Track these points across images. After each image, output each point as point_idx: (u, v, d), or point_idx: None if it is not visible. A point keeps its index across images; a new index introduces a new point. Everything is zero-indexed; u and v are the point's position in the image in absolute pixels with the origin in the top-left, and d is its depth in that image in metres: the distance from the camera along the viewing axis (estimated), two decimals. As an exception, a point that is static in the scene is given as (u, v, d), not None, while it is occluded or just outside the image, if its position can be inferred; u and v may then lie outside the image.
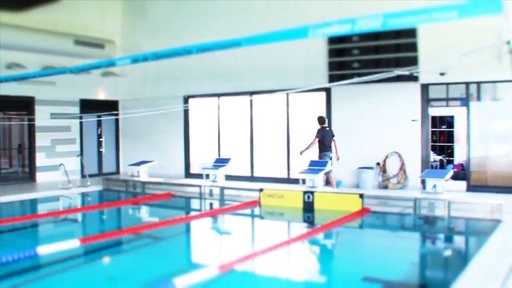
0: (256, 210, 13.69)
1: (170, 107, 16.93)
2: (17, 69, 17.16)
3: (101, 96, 20.65)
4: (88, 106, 19.98)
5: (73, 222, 13.03)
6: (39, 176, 18.63)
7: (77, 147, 19.59)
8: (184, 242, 11.04)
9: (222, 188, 15.27)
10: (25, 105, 18.53)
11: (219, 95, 18.10)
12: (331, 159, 14.98)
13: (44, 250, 8.14)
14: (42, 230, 12.14)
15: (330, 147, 15.03)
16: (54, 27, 17.81)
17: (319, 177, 14.04)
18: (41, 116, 18.53)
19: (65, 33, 18.05)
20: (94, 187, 17.30)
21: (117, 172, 20.96)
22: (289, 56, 15.55)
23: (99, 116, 19.55)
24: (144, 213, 14.43)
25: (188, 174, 18.79)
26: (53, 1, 17.76)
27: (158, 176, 17.50)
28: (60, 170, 16.59)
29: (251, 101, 17.21)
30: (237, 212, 13.45)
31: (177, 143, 19.02)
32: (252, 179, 16.94)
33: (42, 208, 15.35)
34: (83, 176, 17.84)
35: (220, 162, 16.23)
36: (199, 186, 15.66)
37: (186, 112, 18.77)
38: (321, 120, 15.26)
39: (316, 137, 14.99)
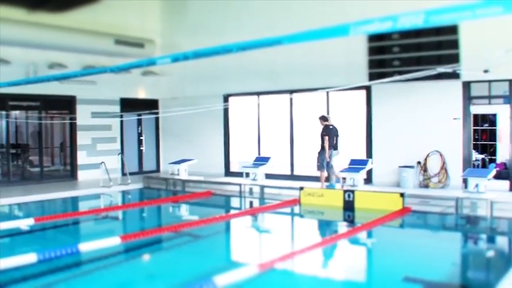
0: (296, 209, 13.59)
1: (210, 106, 16.97)
2: (58, 68, 17.38)
3: (141, 95, 20.78)
4: (128, 105, 20.16)
5: (114, 219, 13.14)
6: (81, 174, 18.86)
7: (117, 146, 19.78)
8: (224, 240, 11.02)
9: (262, 187, 15.25)
10: (67, 105, 18.77)
11: (258, 94, 18.03)
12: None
13: (85, 247, 8.19)
14: (83, 228, 12.24)
15: (333, 144, 14.87)
16: (95, 27, 18.00)
17: (360, 176, 13.93)
18: (82, 114, 18.75)
19: (105, 33, 18.23)
20: (134, 185, 17.46)
21: (157, 170, 21.09)
22: (329, 54, 15.43)
23: (139, 115, 19.70)
24: (184, 212, 14.46)
25: (228, 172, 18.79)
26: (93, 1, 17.94)
27: (198, 175, 17.55)
28: (101, 168, 16.76)
29: (291, 99, 17.13)
30: (277, 211, 13.39)
31: (217, 141, 19.03)
32: (292, 177, 16.86)
33: (83, 206, 15.54)
34: (124, 174, 17.97)
35: (261, 160, 16.21)
36: (239, 184, 15.66)
37: (225, 110, 18.77)
38: (323, 119, 15.12)
39: (325, 135, 14.77)
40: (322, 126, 14.97)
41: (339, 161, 14.94)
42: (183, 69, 18.86)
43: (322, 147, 14.81)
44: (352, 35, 7.55)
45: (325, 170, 14.85)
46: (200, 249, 9.61)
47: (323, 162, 14.77)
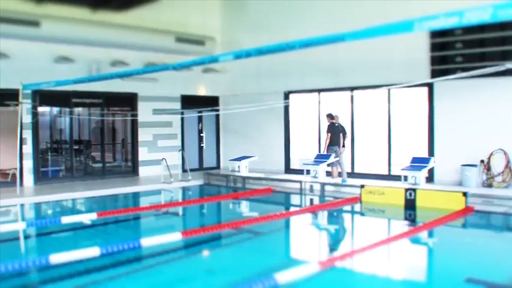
0: (357, 207, 13.42)
1: (270, 103, 16.93)
2: (120, 66, 17.60)
3: (202, 92, 20.87)
4: (189, 102, 20.27)
5: (174, 215, 13.19)
6: (142, 170, 19.08)
7: (178, 142, 19.92)
8: (284, 237, 10.93)
9: (323, 184, 15.11)
10: (129, 101, 19.01)
11: (319, 91, 17.88)
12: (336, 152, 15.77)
13: (147, 242, 8.23)
14: (144, 223, 12.37)
15: (338, 142, 15.82)
16: (156, 25, 18.20)
17: (422, 174, 13.68)
18: (144, 111, 18.96)
19: (167, 31, 18.41)
20: (195, 181, 17.54)
21: (218, 167, 21.15)
22: (390, 50, 15.16)
23: (200, 112, 19.78)
24: (244, 208, 14.42)
25: (288, 169, 18.70)
26: (154, 0, 18.10)
27: (258, 171, 17.55)
28: (162, 164, 16.90)
29: (352, 96, 16.93)
30: (337, 209, 13.26)
31: (277, 138, 18.96)
32: (352, 175, 16.65)
33: (144, 201, 15.72)
34: (184, 171, 18.07)
35: (322, 158, 16.08)
36: (300, 181, 15.56)
37: (286, 107, 18.68)
38: (330, 117, 15.91)
39: (328, 132, 15.78)
40: (328, 123, 15.92)
41: (400, 158, 14.76)
42: (243, 66, 18.85)
43: (329, 144, 15.83)
44: (416, 31, 7.42)
45: (339, 166, 15.82)
46: (260, 246, 9.56)
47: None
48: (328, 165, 15.73)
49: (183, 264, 8.42)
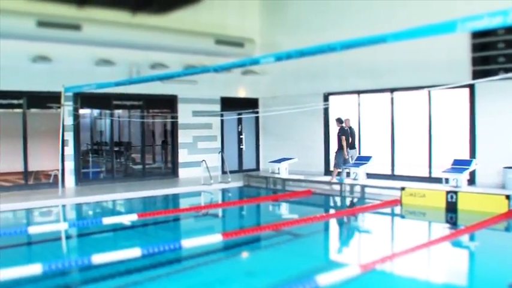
0: (397, 209, 13.24)
1: (310, 105, 16.85)
2: (160, 68, 17.71)
3: (242, 94, 20.89)
4: (229, 104, 20.31)
5: (214, 217, 13.21)
6: (182, 172, 19.16)
7: (218, 144, 19.97)
8: (324, 239, 10.86)
9: (363, 186, 14.98)
10: (169, 104, 19.13)
11: (359, 92, 17.73)
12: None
13: (188, 243, 8.23)
14: (184, 224, 12.40)
15: (350, 144, 16.51)
16: (196, 28, 18.26)
17: (463, 177, 13.48)
18: (184, 113, 19.05)
19: (206, 33, 18.47)
20: (235, 183, 17.55)
21: (257, 169, 21.14)
22: (430, 51, 14.93)
23: (239, 114, 19.79)
24: (284, 210, 14.37)
25: (328, 171, 18.57)
26: (194, 2, 18.19)
27: (298, 173, 17.47)
28: (201, 166, 16.93)
29: (392, 98, 16.75)
30: (377, 211, 13.10)
31: (317, 140, 18.86)
32: (392, 177, 16.48)
33: (184, 203, 15.80)
34: (224, 172, 18.10)
35: (361, 160, 15.96)
36: (340, 183, 15.44)
37: (326, 109, 18.57)
38: (339, 121, 16.54)
39: (342, 135, 16.37)
40: (338, 128, 16.55)
41: (441, 160, 14.57)
42: (283, 68, 18.78)
43: (340, 147, 16.35)
44: (458, 32, 7.30)
45: (341, 168, 16.37)
46: (300, 248, 9.50)
47: (340, 160, 16.38)
48: (335, 166, 16.58)
49: (223, 265, 8.40)
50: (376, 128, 17.46)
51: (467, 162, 14.05)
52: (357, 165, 15.69)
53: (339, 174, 16.47)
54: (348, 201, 14.96)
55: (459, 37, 14.36)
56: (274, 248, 9.57)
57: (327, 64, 17.28)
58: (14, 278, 6.56)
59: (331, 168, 16.62)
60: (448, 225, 12.16)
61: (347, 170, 16.42)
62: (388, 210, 13.28)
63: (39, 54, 15.82)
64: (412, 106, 16.59)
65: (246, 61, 13.37)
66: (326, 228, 11.51)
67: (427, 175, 15.94)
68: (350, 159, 16.48)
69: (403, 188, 13.56)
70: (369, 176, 15.90)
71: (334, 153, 16.80)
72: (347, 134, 16.52)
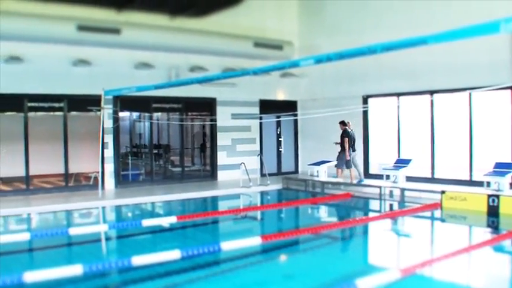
0: (438, 213, 13.04)
1: (349, 107, 16.73)
2: (199, 71, 17.76)
3: (280, 96, 20.85)
4: (267, 106, 20.28)
5: (253, 219, 13.20)
6: (220, 174, 19.20)
7: (256, 147, 19.96)
8: (363, 243, 10.75)
9: (403, 190, 14.80)
10: (207, 106, 19.19)
11: (398, 95, 17.55)
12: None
13: (227, 246, 8.21)
14: (223, 227, 12.39)
15: (351, 146, 16.93)
16: (234, 31, 18.29)
17: (506, 180, 13.23)
18: (223, 116, 19.07)
19: (245, 36, 18.47)
20: (274, 186, 17.51)
21: (296, 171, 21.07)
22: (470, 52, 14.60)
23: (278, 116, 19.75)
24: (323, 213, 14.29)
25: (367, 174, 18.42)
26: (232, 5, 18.22)
27: (336, 176, 17.37)
28: (240, 168, 16.93)
29: (432, 100, 16.53)
30: (417, 215, 12.93)
31: (356, 142, 18.70)
32: (433, 180, 16.26)
33: (223, 205, 15.83)
34: (263, 175, 18.08)
35: (401, 162, 15.81)
36: (379, 187, 15.30)
37: (365, 112, 18.41)
38: (343, 123, 17.02)
39: (345, 137, 16.86)
40: (341, 130, 17.01)
41: (482, 164, 14.34)
42: (321, 70, 18.71)
43: (343, 148, 16.83)
44: (502, 33, 7.16)
45: (344, 168, 16.98)
46: (339, 252, 9.46)
47: (342, 162, 16.94)
48: (347, 167, 16.95)
49: (261, 268, 8.37)
50: (415, 131, 17.23)
51: (509, 166, 13.78)
52: (396, 168, 15.52)
53: (341, 173, 17.05)
54: (387, 204, 14.80)
55: (501, 37, 14.07)
56: (313, 251, 9.51)
57: (366, 66, 17.12)
58: (55, 278, 6.62)
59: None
60: (489, 229, 11.94)
61: (352, 171, 16.95)
62: (428, 214, 13.11)
63: (79, 58, 16.00)
64: (452, 108, 16.33)
65: (285, 64, 13.36)
66: (365, 231, 11.39)
67: (468, 178, 15.65)
68: (352, 160, 16.92)
69: (443, 192, 13.37)
70: (409, 179, 15.70)
71: (337, 154, 17.26)
72: (350, 136, 16.94)
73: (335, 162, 17.39)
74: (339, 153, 17.14)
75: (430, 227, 12.75)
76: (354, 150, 17.14)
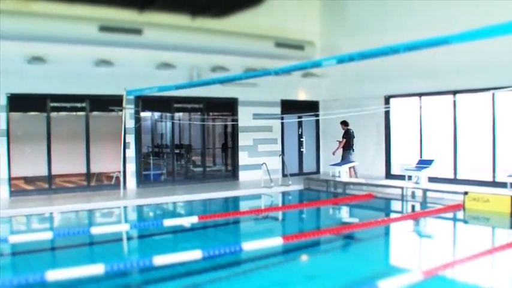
0: (460, 214, 12.91)
1: (371, 108, 16.64)
2: (220, 71, 17.77)
3: (302, 96, 20.81)
4: (289, 106, 20.25)
5: (274, 220, 13.17)
6: (242, 175, 19.22)
7: (278, 147, 19.94)
8: (385, 244, 10.67)
9: (425, 190, 14.68)
10: (229, 106, 19.22)
11: (420, 95, 17.41)
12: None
13: (249, 246, 8.18)
14: (244, 227, 12.37)
15: (352, 146, 17.95)
16: (255, 31, 18.29)
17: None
18: (244, 116, 19.07)
19: (266, 36, 18.48)
20: (295, 186, 17.48)
21: (317, 172, 21.01)
22: (494, 52, 14.35)
23: (300, 117, 19.71)
24: (345, 214, 14.22)
25: (389, 175, 18.32)
26: (254, 5, 18.21)
27: (359, 177, 17.27)
28: (262, 169, 16.92)
29: (454, 101, 16.38)
30: (440, 216, 12.82)
31: (377, 143, 18.63)
32: (455, 181, 16.11)
33: (244, 205, 15.80)
34: (284, 175, 18.05)
35: (423, 163, 15.66)
36: (401, 187, 15.19)
37: (386, 112, 18.30)
38: (345, 124, 17.88)
39: (345, 138, 17.81)
40: (344, 130, 17.92)
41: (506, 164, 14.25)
42: (343, 70, 18.63)
43: (345, 149, 17.80)
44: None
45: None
46: (361, 253, 9.37)
47: (346, 161, 17.53)
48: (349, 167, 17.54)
49: (282, 269, 8.35)
50: (438, 131, 17.09)
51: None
52: (418, 169, 15.41)
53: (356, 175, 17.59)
54: (409, 205, 14.70)
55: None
56: (334, 252, 9.49)
57: (388, 66, 16.99)
58: (77, 277, 6.64)
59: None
60: (513, 231, 11.82)
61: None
62: (450, 215, 12.97)
63: (101, 58, 16.08)
64: (475, 108, 16.17)
65: (307, 64, 13.31)
66: (387, 232, 11.30)
67: (491, 179, 15.51)
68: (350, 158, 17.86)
69: (466, 193, 13.24)
70: (431, 180, 15.57)
71: (342, 154, 18.02)
72: (351, 137, 17.89)
73: (356, 163, 17.33)
74: (343, 153, 17.93)
75: (452, 228, 12.62)
76: (353, 150, 17.95)
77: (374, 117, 17.97)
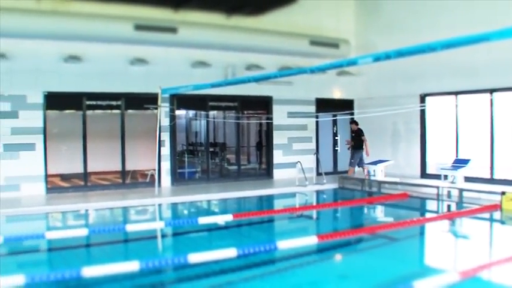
0: (497, 215, 12.70)
1: (406, 106, 16.49)
2: (255, 70, 17.77)
3: (337, 95, 20.71)
4: (324, 105, 20.19)
5: (309, 219, 13.13)
6: (276, 173, 19.21)
7: (312, 146, 19.87)
8: (420, 244, 10.55)
9: (461, 190, 14.50)
10: (263, 105, 19.23)
11: (456, 93, 17.19)
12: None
13: (284, 245, 8.15)
14: (278, 225, 12.33)
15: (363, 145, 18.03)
16: (290, 29, 18.27)
17: None
18: (279, 114, 19.06)
19: (300, 34, 18.45)
20: (330, 185, 17.39)
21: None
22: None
23: (334, 115, 19.61)
24: (380, 213, 14.11)
25: (424, 174, 18.14)
26: (288, 4, 18.17)
27: (393, 176, 17.12)
28: (296, 167, 16.88)
29: (491, 99, 16.13)
30: (476, 216, 12.63)
31: (413, 142, 18.45)
32: (492, 181, 15.88)
33: (279, 204, 15.80)
34: (319, 174, 17.99)
35: (460, 162, 15.45)
36: (437, 187, 15.01)
37: (422, 110, 18.11)
38: (356, 123, 18.12)
39: (362, 135, 17.92)
40: (355, 129, 18.07)
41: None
42: (378, 69, 18.47)
43: (357, 147, 17.91)
44: None
45: (356, 167, 17.97)
46: (395, 253, 9.27)
47: (356, 160, 17.94)
48: (359, 166, 18.00)
49: (317, 268, 8.31)
50: (474, 130, 16.86)
51: None
52: (454, 168, 15.22)
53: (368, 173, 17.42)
54: (445, 205, 14.53)
55: None
56: (369, 252, 9.40)
57: (424, 64, 16.80)
58: (112, 274, 6.69)
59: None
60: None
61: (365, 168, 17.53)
62: (487, 215, 12.78)
63: (136, 57, 16.22)
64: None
65: (343, 62, 13.19)
66: (422, 232, 11.17)
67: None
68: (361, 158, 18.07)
69: (503, 193, 13.01)
70: (467, 179, 15.36)
71: (352, 152, 18.23)
72: (362, 136, 17.97)
73: (391, 162, 17.19)
74: (352, 152, 18.10)
75: (489, 229, 12.45)
76: (361, 149, 17.99)
77: (410, 116, 17.83)
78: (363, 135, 17.86)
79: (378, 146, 19.30)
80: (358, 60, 11.65)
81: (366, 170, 17.30)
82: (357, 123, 18.06)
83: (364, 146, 17.86)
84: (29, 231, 10.38)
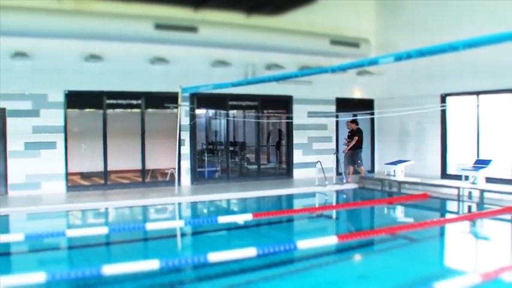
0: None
1: (427, 106, 16.38)
2: (275, 69, 17.76)
3: (357, 94, 20.64)
4: (344, 104, 20.11)
5: (329, 218, 13.09)
6: (296, 172, 19.19)
7: (332, 145, 19.79)
8: (440, 245, 10.48)
9: (482, 191, 14.37)
10: (283, 104, 19.23)
11: (477, 93, 17.04)
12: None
13: (304, 244, 8.12)
14: (298, 225, 12.31)
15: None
16: (310, 28, 18.20)
17: None
18: (299, 114, 19.04)
19: (321, 34, 18.40)
20: (350, 185, 17.35)
21: (372, 171, 20.76)
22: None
23: (354, 115, 19.55)
24: (400, 214, 14.03)
25: (445, 175, 18.01)
26: (309, 3, 18.14)
27: (413, 176, 17.01)
28: (316, 167, 16.84)
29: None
30: (497, 217, 12.51)
31: (433, 142, 18.32)
32: (515, 182, 15.75)
33: (298, 203, 15.78)
34: (339, 174, 17.95)
35: (481, 163, 15.31)
36: (458, 188, 14.91)
37: (443, 110, 17.98)
38: (355, 122, 18.12)
39: (359, 135, 17.81)
40: (355, 129, 17.97)
41: None
42: (399, 68, 18.34)
43: (358, 147, 17.79)
44: None
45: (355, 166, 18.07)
46: (415, 253, 9.21)
47: (360, 158, 17.98)
48: (358, 166, 18.02)
49: (336, 268, 8.30)
50: (496, 130, 16.70)
51: None
52: (476, 169, 15.09)
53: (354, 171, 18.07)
54: (465, 206, 14.42)
55: None
56: (389, 252, 9.34)
57: (444, 64, 16.67)
58: (132, 272, 6.72)
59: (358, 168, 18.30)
60: None
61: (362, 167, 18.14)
62: (508, 216, 12.65)
63: (156, 56, 16.28)
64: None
65: (364, 61, 13.13)
66: (442, 233, 11.09)
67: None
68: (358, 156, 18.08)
69: (524, 194, 12.92)
70: (489, 180, 15.22)
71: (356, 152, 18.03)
72: (362, 135, 18.00)
73: (412, 162, 17.08)
74: (356, 151, 17.89)
75: (511, 230, 12.34)
76: (360, 148, 18.03)
77: (431, 116, 17.70)
78: (358, 135, 17.85)
79: (398, 146, 19.25)
80: (380, 59, 11.57)
81: (362, 170, 17.95)
82: (357, 123, 18.06)
83: (353, 143, 17.73)
84: (50, 229, 10.41)
